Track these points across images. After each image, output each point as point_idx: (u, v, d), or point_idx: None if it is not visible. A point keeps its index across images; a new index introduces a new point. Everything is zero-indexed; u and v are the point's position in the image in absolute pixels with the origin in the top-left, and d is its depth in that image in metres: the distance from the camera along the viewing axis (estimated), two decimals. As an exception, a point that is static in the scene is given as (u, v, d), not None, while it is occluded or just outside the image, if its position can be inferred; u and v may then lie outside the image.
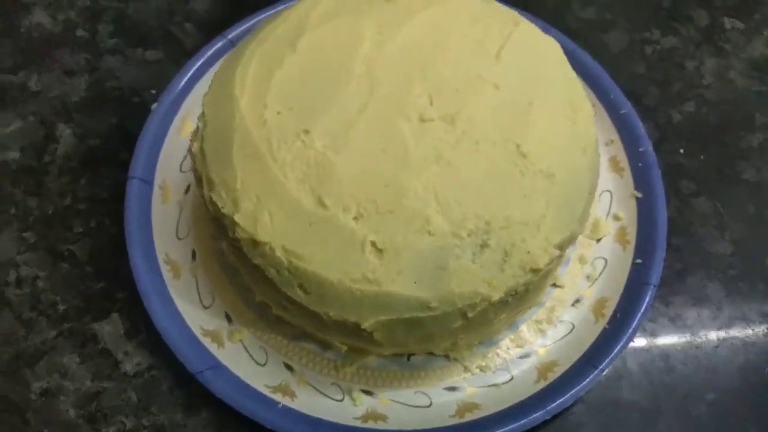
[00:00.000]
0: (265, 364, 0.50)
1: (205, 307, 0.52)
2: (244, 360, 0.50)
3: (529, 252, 0.42)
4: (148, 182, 0.55)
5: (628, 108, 0.59)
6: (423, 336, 0.45)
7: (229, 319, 0.51)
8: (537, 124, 0.46)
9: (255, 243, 0.42)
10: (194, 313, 0.51)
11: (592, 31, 0.69)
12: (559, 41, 0.62)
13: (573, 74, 0.51)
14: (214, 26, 0.67)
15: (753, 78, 0.66)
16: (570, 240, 0.46)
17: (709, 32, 0.69)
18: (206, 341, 0.50)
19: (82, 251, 0.54)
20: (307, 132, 0.44)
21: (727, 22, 0.70)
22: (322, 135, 0.44)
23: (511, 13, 0.53)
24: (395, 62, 0.47)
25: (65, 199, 0.57)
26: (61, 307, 0.52)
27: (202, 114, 0.48)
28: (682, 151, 0.62)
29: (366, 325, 0.42)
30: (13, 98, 0.61)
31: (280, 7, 0.64)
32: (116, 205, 0.54)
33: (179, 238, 0.54)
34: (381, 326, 0.42)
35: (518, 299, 0.45)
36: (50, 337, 0.51)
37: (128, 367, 0.50)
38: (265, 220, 0.42)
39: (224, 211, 0.44)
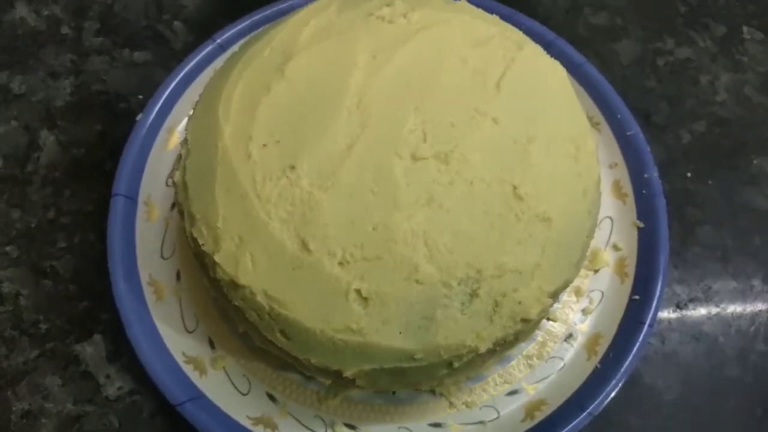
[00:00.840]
0: (247, 394, 0.49)
1: (189, 332, 0.50)
2: (226, 389, 0.49)
3: (520, 302, 0.41)
4: (133, 199, 0.53)
5: (635, 130, 0.56)
6: (407, 382, 0.44)
7: (212, 344, 0.50)
8: (536, 164, 0.44)
9: (236, 285, 0.41)
10: (177, 338, 0.50)
11: (602, 40, 0.65)
12: (567, 53, 0.60)
13: (577, 105, 0.48)
14: (204, 25, 0.64)
15: (769, 95, 0.63)
16: (564, 287, 0.44)
17: (726, 43, 0.66)
18: (188, 369, 0.49)
19: (66, 268, 0.53)
20: (293, 168, 0.42)
21: (747, 32, 0.66)
22: (308, 172, 0.42)
23: (516, 34, 0.50)
24: (389, 92, 0.45)
25: (49, 212, 0.55)
26: (44, 327, 0.51)
27: (185, 141, 0.46)
28: (689, 175, 0.59)
29: (348, 373, 0.41)
30: (-5, 101, 0.59)
31: (275, 8, 0.61)
32: (101, 219, 0.52)
33: (164, 258, 0.53)
34: (364, 374, 0.41)
35: (507, 345, 0.44)
36: (32, 357, 0.50)
37: (110, 391, 0.49)
38: (246, 263, 0.41)
39: (204, 249, 0.42)
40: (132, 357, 0.48)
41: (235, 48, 0.58)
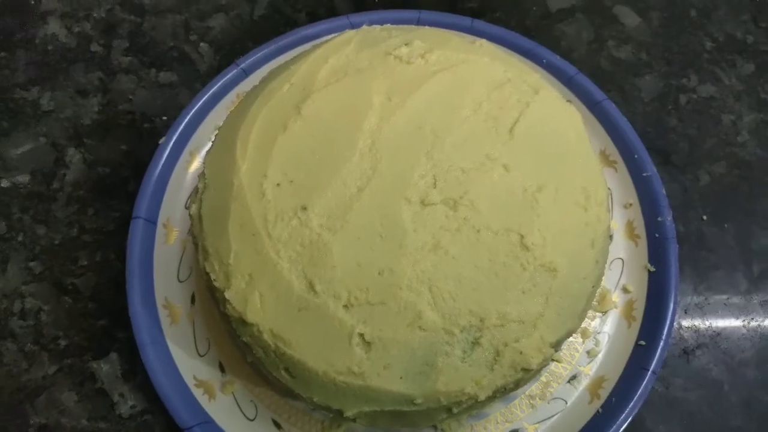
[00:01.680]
0: (254, 419, 0.50)
1: (201, 355, 0.52)
2: (234, 414, 0.50)
3: (522, 352, 0.41)
4: (152, 222, 0.55)
5: (651, 171, 0.56)
6: (407, 422, 0.45)
7: (222, 368, 0.52)
8: (544, 213, 0.44)
9: (244, 322, 0.42)
10: (189, 361, 0.51)
11: (625, 75, 0.65)
12: (587, 89, 0.60)
13: (591, 152, 0.48)
14: (229, 47, 0.65)
15: (794, 138, 0.62)
16: (567, 336, 0.44)
17: (752, 82, 0.65)
18: (198, 393, 0.50)
19: (86, 286, 0.55)
20: (304, 209, 0.43)
21: (774, 71, 0.66)
22: (319, 213, 0.43)
23: (533, 77, 0.50)
24: (401, 136, 0.45)
25: (72, 230, 0.57)
26: (63, 343, 0.53)
27: (203, 174, 0.47)
28: (705, 218, 0.59)
29: (348, 414, 0.42)
30: (26, 117, 0.61)
31: (299, 34, 0.62)
32: (122, 238, 0.54)
33: (180, 281, 0.54)
34: (364, 415, 0.42)
35: (507, 393, 0.45)
36: (50, 373, 0.52)
37: (123, 409, 0.51)
38: (255, 301, 0.42)
39: (216, 284, 0.43)
40: (145, 376, 0.50)
41: (258, 73, 0.60)
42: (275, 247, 0.42)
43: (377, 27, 0.54)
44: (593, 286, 0.45)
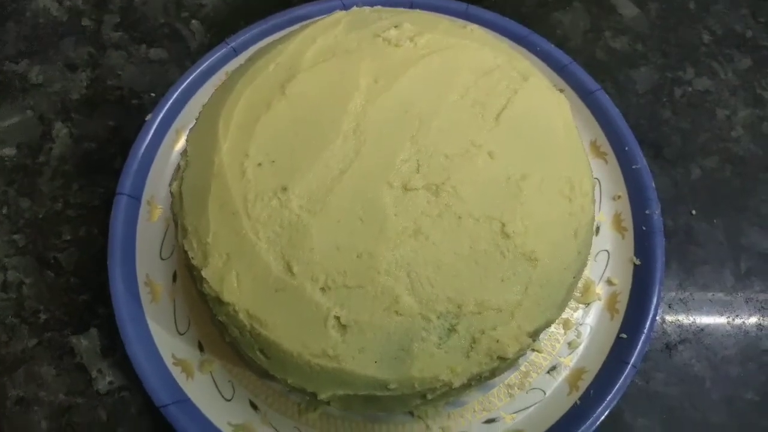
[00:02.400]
0: (231, 400, 0.50)
1: (180, 333, 0.52)
2: (211, 393, 0.50)
3: (498, 341, 0.41)
4: (136, 198, 0.54)
5: (641, 164, 0.55)
6: (381, 406, 0.44)
7: (201, 347, 0.52)
8: (527, 202, 0.43)
9: (220, 302, 0.42)
10: (168, 339, 0.51)
11: (620, 66, 0.64)
12: (581, 79, 0.59)
13: (578, 142, 0.48)
14: (221, 25, 0.65)
15: (788, 134, 0.62)
16: (545, 327, 0.44)
17: (749, 77, 0.64)
18: (176, 371, 0.50)
19: (69, 261, 0.55)
20: (284, 190, 0.43)
21: (773, 66, 0.65)
22: (300, 195, 0.42)
23: (523, 64, 0.50)
24: (386, 120, 0.45)
25: (57, 204, 0.57)
26: (43, 317, 0.53)
27: (185, 152, 0.47)
28: (694, 212, 0.58)
29: (322, 396, 0.41)
30: (14, 90, 0.60)
31: (292, 14, 0.61)
32: (106, 214, 0.53)
33: (162, 259, 0.54)
34: (338, 398, 0.42)
35: (485, 380, 0.44)
36: (30, 346, 0.52)
37: (101, 385, 0.51)
38: (231, 281, 0.41)
39: (194, 262, 0.43)
40: (124, 353, 0.50)
41: (248, 52, 0.59)
42: (254, 227, 0.42)
43: (367, 8, 0.53)
44: (574, 277, 0.45)
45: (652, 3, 0.67)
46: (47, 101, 0.60)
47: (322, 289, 0.41)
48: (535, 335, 0.43)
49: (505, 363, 0.42)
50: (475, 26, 0.52)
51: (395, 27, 0.49)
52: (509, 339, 0.41)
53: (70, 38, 0.63)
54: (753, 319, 0.55)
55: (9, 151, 0.58)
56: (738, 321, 0.54)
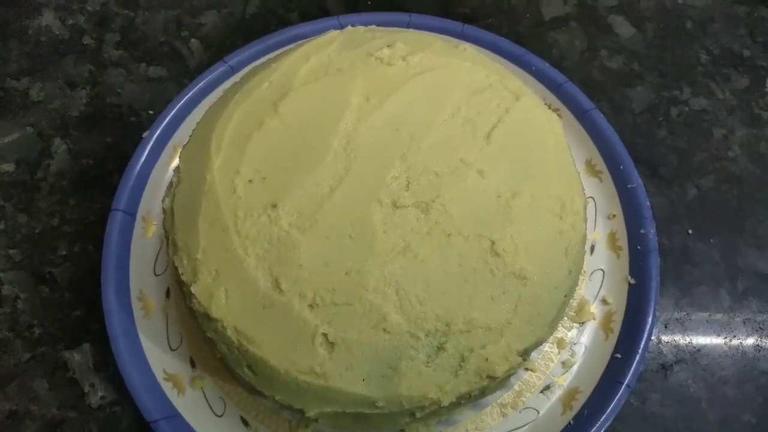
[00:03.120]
0: (222, 416, 0.50)
1: (172, 349, 0.52)
2: (202, 409, 0.50)
3: (487, 359, 0.41)
4: (131, 214, 0.55)
5: (636, 183, 0.55)
6: (370, 425, 0.44)
7: (193, 363, 0.52)
8: (517, 220, 0.43)
9: (208, 318, 0.42)
10: (160, 354, 0.51)
11: (616, 85, 0.64)
12: (576, 98, 0.59)
13: (570, 161, 0.48)
14: (220, 44, 0.66)
15: (786, 154, 0.61)
16: (536, 346, 0.44)
17: (746, 96, 0.64)
18: (167, 387, 0.50)
19: (63, 276, 0.55)
20: (274, 206, 0.43)
21: (770, 86, 0.65)
22: (289, 212, 0.43)
23: (515, 83, 0.50)
24: (377, 137, 0.45)
25: (53, 219, 0.57)
26: (37, 331, 0.53)
27: (178, 168, 0.47)
28: (690, 231, 0.58)
29: (310, 414, 0.41)
30: (14, 106, 0.61)
31: (289, 33, 0.62)
32: (102, 230, 0.54)
33: (156, 275, 0.54)
34: (326, 416, 0.42)
35: (475, 399, 0.44)
36: (23, 360, 0.52)
37: (93, 399, 0.51)
38: (220, 297, 0.42)
39: (183, 278, 0.43)
40: (116, 368, 0.50)
41: (245, 71, 0.60)
42: (243, 243, 0.42)
43: (362, 28, 0.54)
44: (565, 296, 0.45)
45: (648, 23, 0.68)
46: (47, 118, 0.61)
47: (310, 306, 0.41)
48: (525, 354, 0.43)
49: (494, 382, 0.42)
50: (468, 46, 0.53)
51: (388, 46, 0.50)
52: (498, 358, 0.41)
53: (71, 56, 0.64)
54: (750, 340, 0.54)
55: (8, 167, 0.59)
56: (735, 342, 0.54)
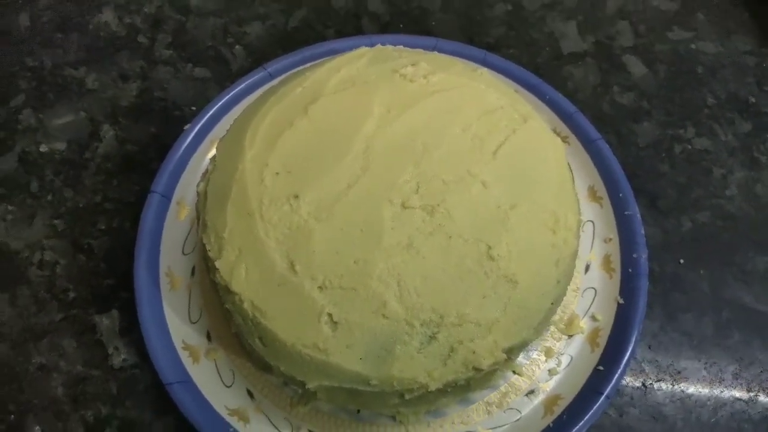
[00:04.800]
0: (230, 386, 0.54)
1: (192, 322, 0.57)
2: (213, 378, 0.54)
3: (474, 352, 0.45)
4: (167, 197, 0.60)
5: (633, 211, 0.59)
6: (363, 402, 0.48)
7: (209, 337, 0.56)
8: (513, 229, 0.48)
9: (228, 291, 0.47)
10: (180, 326, 0.56)
11: (624, 120, 0.68)
12: (584, 127, 0.64)
13: (568, 183, 0.52)
14: (261, 52, 0.71)
15: (781, 197, 0.65)
16: (521, 346, 0.48)
17: (748, 140, 0.68)
18: (184, 355, 0.55)
19: (100, 248, 0.61)
20: (296, 197, 0.48)
21: (772, 133, 0.68)
22: (309, 203, 0.47)
23: (525, 108, 0.54)
24: (394, 145, 0.50)
25: (96, 196, 0.63)
26: (71, 295, 0.59)
27: (214, 157, 0.53)
28: (682, 261, 0.61)
29: (310, 386, 0.46)
30: (71, 93, 0.68)
31: (324, 47, 0.68)
32: (139, 210, 0.59)
33: (184, 254, 0.59)
34: (324, 389, 0.46)
35: (460, 390, 0.48)
36: (57, 320, 0.58)
37: (115, 361, 0.56)
38: (240, 273, 0.46)
39: (210, 254, 0.48)
40: (140, 335, 0.55)
41: (281, 77, 0.65)
42: (265, 227, 0.47)
43: (390, 47, 0.59)
44: (552, 303, 0.49)
45: (661, 65, 0.72)
46: (99, 105, 0.67)
47: (320, 288, 0.45)
48: (510, 352, 0.47)
49: (479, 374, 0.46)
50: (485, 70, 0.58)
51: (412, 65, 0.55)
52: (485, 352, 0.45)
53: (125, 52, 0.70)
54: (730, 368, 0.57)
55: (60, 146, 0.65)
56: (714, 368, 0.57)
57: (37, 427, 0.53)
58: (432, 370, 0.44)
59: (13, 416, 0.53)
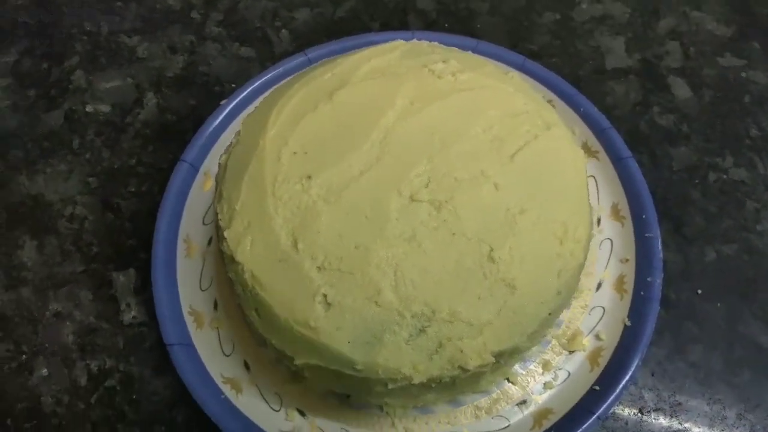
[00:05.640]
0: (229, 356, 0.56)
1: (202, 290, 0.58)
2: (213, 346, 0.56)
3: (462, 351, 0.45)
4: (195, 168, 0.62)
5: (654, 234, 0.58)
6: (348, 387, 0.49)
7: (215, 306, 0.58)
8: (519, 234, 0.47)
9: (233, 260, 0.48)
10: (189, 292, 0.58)
11: (660, 141, 0.67)
12: (615, 144, 0.63)
13: (584, 196, 0.51)
14: (305, 38, 0.73)
15: (816, 240, 0.62)
16: (512, 352, 0.47)
17: (788, 176, 0.65)
18: (189, 320, 0.56)
19: (128, 209, 0.63)
20: (309, 178, 0.49)
21: (815, 170, 0.65)
22: (320, 185, 0.49)
23: (550, 116, 0.54)
24: (412, 137, 0.50)
25: (131, 160, 0.66)
26: (95, 249, 0.62)
27: (238, 132, 0.54)
28: (700, 291, 0.59)
29: (298, 362, 0.47)
30: (121, 59, 0.71)
31: (365, 39, 0.69)
32: (169, 177, 0.62)
33: (204, 224, 0.61)
34: (311, 368, 0.47)
35: (445, 387, 0.48)
36: (78, 271, 0.61)
37: (126, 317, 0.59)
38: (245, 245, 0.48)
39: (221, 223, 0.50)
40: (151, 296, 0.57)
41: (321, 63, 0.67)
42: (275, 204, 0.48)
43: (425, 42, 0.59)
44: (550, 314, 0.48)
45: (707, 89, 0.70)
46: (146, 73, 0.70)
47: (318, 268, 0.46)
48: (499, 356, 0.46)
49: (465, 374, 0.46)
50: (516, 74, 0.57)
51: (443, 62, 0.55)
52: (472, 352, 0.45)
53: (177, 25, 0.73)
54: (735, 408, 0.55)
55: (104, 108, 0.68)
56: (718, 406, 0.55)
57: (45, 370, 0.56)
58: (417, 363, 0.45)
59: (24, 356, 0.57)
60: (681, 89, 0.70)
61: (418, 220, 0.47)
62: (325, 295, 0.46)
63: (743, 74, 0.71)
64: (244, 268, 0.47)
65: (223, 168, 0.53)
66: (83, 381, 0.56)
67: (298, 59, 0.67)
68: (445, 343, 0.45)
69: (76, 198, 0.64)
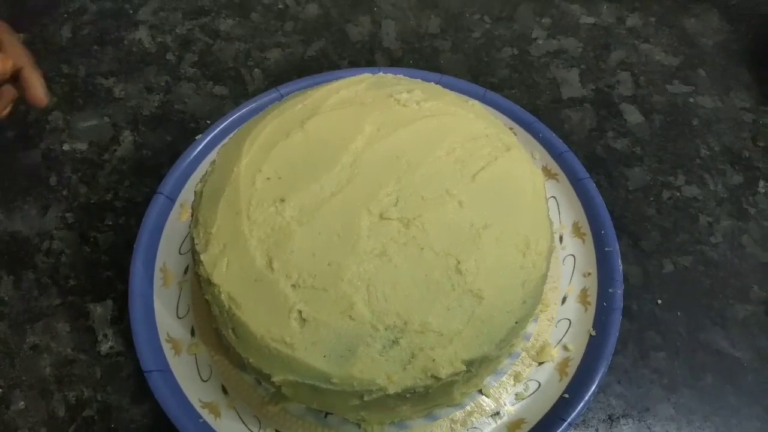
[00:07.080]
0: (206, 381, 0.57)
1: (178, 317, 0.60)
2: (191, 372, 0.57)
3: (434, 360, 0.46)
4: (172, 199, 0.64)
5: (613, 248, 0.61)
6: (325, 402, 0.50)
7: (193, 333, 0.59)
8: (484, 247, 0.50)
9: (209, 282, 0.50)
10: (167, 320, 0.59)
11: (615, 163, 0.71)
12: (573, 166, 0.66)
13: (544, 211, 0.54)
14: (277, 76, 0.76)
15: (766, 249, 0.65)
16: (482, 361, 0.49)
17: (737, 192, 0.69)
18: (166, 347, 0.57)
19: (105, 241, 0.65)
20: (282, 200, 0.51)
21: (762, 186, 0.69)
22: (293, 206, 0.51)
23: (509, 139, 0.57)
24: (380, 160, 0.53)
25: (108, 194, 0.67)
26: (71, 282, 0.62)
27: (213, 161, 0.57)
28: (660, 302, 0.62)
29: (275, 379, 0.48)
30: (98, 99, 0.73)
31: (334, 74, 0.72)
32: (145, 210, 0.63)
33: (180, 253, 0.63)
34: (288, 383, 0.48)
35: (420, 398, 0.49)
36: (54, 304, 0.61)
37: (103, 347, 0.59)
38: (222, 266, 0.49)
39: (197, 247, 0.51)
40: (128, 325, 0.58)
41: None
42: (250, 226, 0.50)
43: (391, 75, 0.63)
44: (517, 322, 0.50)
45: (658, 114, 0.74)
46: (123, 113, 0.73)
47: (293, 286, 0.48)
48: (470, 365, 0.48)
49: (437, 383, 0.47)
50: (475, 102, 0.61)
51: (408, 92, 0.59)
52: (444, 361, 0.47)
53: (153, 66, 0.76)
54: (699, 411, 0.57)
55: (81, 146, 0.70)
56: (684, 409, 0.57)
57: (22, 403, 0.56)
58: (392, 374, 0.46)
59: (1, 390, 0.57)
60: (633, 115, 0.74)
61: (389, 237, 0.49)
62: (300, 312, 0.47)
63: (691, 99, 0.76)
64: (220, 290, 0.49)
65: (198, 195, 0.55)
66: (61, 412, 0.56)
67: (271, 95, 0.70)
68: (417, 353, 0.46)
69: (53, 233, 0.65)
